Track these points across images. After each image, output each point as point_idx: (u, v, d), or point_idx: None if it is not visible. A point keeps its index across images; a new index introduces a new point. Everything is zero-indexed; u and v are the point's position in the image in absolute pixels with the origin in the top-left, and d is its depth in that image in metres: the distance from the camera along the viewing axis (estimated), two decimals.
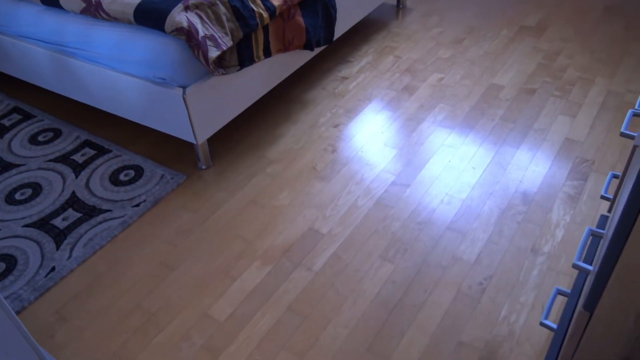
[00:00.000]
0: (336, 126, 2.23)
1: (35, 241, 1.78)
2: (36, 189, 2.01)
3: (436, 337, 1.43)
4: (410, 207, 1.83)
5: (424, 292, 1.55)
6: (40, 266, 1.69)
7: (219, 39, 1.82)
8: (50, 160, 2.14)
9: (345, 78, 2.53)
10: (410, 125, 2.20)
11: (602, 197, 1.21)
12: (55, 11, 2.09)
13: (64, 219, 1.86)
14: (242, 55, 1.95)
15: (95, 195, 1.95)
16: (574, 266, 0.89)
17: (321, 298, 1.56)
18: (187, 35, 1.76)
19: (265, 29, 2.01)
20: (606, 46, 2.58)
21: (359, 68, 2.59)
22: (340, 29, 2.48)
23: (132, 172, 2.05)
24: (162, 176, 2.03)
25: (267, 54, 2.07)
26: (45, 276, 1.66)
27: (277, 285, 1.60)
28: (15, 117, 2.42)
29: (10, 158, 2.18)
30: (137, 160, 2.11)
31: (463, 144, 2.08)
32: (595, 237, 0.96)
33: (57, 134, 2.29)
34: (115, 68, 1.94)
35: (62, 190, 1.99)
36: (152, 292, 1.62)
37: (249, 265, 1.67)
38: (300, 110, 2.34)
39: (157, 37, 1.83)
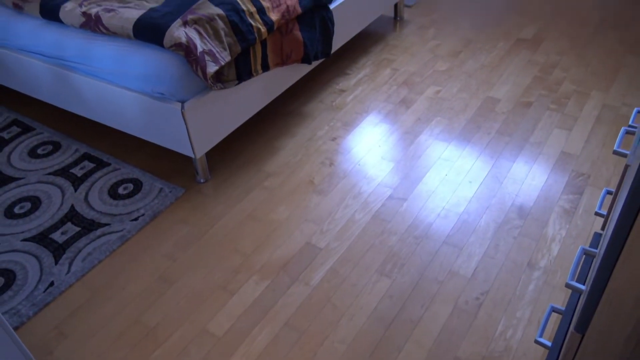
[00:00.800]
0: (334, 139, 2.25)
1: (34, 255, 1.79)
2: (35, 202, 2.02)
3: (433, 353, 1.43)
4: (407, 221, 1.84)
5: (421, 307, 1.56)
6: (39, 281, 1.70)
7: (217, 54, 1.84)
8: (49, 174, 2.15)
9: (342, 91, 2.55)
10: (407, 139, 2.21)
11: (596, 214, 1.22)
12: (55, 25, 2.11)
13: (62, 233, 1.87)
14: (240, 69, 1.96)
15: (94, 209, 1.96)
16: (567, 285, 0.90)
17: (318, 313, 1.56)
18: (186, 51, 1.78)
19: (263, 43, 2.03)
20: (601, 59, 2.61)
21: (357, 81, 2.61)
22: (338, 42, 2.50)
23: (130, 186, 2.06)
24: (161, 190, 2.04)
25: (265, 68, 2.08)
26: (44, 291, 1.67)
27: (275, 300, 1.61)
28: (15, 129, 2.43)
29: (9, 171, 2.19)
30: (136, 173, 2.12)
31: (460, 157, 2.10)
32: (588, 255, 0.98)
33: (57, 147, 2.30)
34: (115, 82, 1.96)
35: (61, 204, 2.00)
36: (151, 306, 1.62)
37: (247, 280, 1.68)
38: (298, 124, 2.36)
39: (156, 52, 1.85)
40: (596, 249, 1.04)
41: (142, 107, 1.92)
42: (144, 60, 1.85)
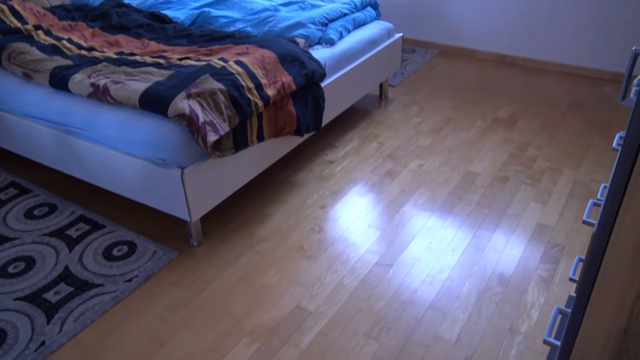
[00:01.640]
0: (323, 207, 2.35)
1: (26, 315, 1.81)
2: (29, 262, 2.05)
3: None
4: (393, 286, 1.91)
5: None
6: (30, 340, 1.71)
7: (218, 125, 1.97)
8: (44, 235, 2.20)
9: (331, 162, 2.68)
10: (393, 208, 2.33)
11: (571, 279, 1.32)
12: (63, 94, 2.24)
13: (55, 293, 1.89)
14: (238, 139, 2.09)
15: (88, 270, 2.00)
16: (545, 342, 0.98)
17: None
18: (189, 121, 1.90)
19: (260, 116, 2.18)
20: (571, 139, 2.81)
21: (345, 153, 2.75)
22: (327, 117, 2.66)
23: (125, 248, 2.11)
24: (155, 252, 2.09)
25: (260, 138, 2.22)
26: (35, 350, 1.68)
27: None
28: (12, 191, 2.49)
29: (5, 231, 2.23)
30: (131, 236, 2.18)
31: (443, 227, 2.21)
32: (563, 315, 1.06)
33: (53, 208, 2.36)
34: (118, 148, 2.06)
35: (55, 264, 2.03)
36: None
37: (237, 342, 1.71)
38: (289, 192, 2.47)
39: (159, 121, 1.97)
40: (570, 309, 1.13)
41: (142, 172, 2.02)
42: (147, 129, 1.97)
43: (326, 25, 2.74)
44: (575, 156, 2.66)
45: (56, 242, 2.16)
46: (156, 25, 2.77)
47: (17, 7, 2.81)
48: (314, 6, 2.95)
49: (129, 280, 1.95)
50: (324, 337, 1.72)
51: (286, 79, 2.27)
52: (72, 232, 2.21)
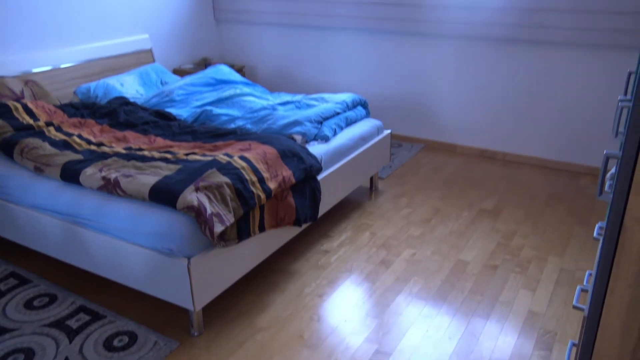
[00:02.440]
0: (320, 296, 2.41)
1: None
2: (29, 354, 2.04)
3: None
4: None
5: None
6: None
7: (224, 216, 2.08)
8: (44, 325, 2.21)
9: (327, 251, 2.78)
10: (388, 297, 2.40)
11: None
12: (73, 187, 2.35)
13: None
14: (241, 230, 2.19)
15: None
16: None
17: None
18: (197, 213, 2.01)
19: (262, 207, 2.30)
20: (554, 229, 2.96)
21: (339, 242, 2.86)
22: (322, 208, 2.79)
23: (126, 338, 2.13)
24: (156, 342, 2.11)
25: (262, 229, 2.32)
26: None
27: None
28: (12, 281, 2.52)
29: (4, 322, 2.23)
30: (131, 326, 2.20)
31: (438, 314, 2.28)
32: None
33: (53, 299, 2.38)
34: (125, 239, 2.14)
35: (55, 356, 2.03)
36: None
37: None
38: (287, 280, 2.53)
39: (168, 212, 2.07)
40: None
41: (149, 262, 2.09)
42: (156, 220, 2.07)
43: (321, 123, 2.95)
44: (559, 245, 2.79)
45: (56, 332, 2.16)
46: (162, 122, 2.95)
47: (30, 105, 2.98)
48: (309, 106, 3.18)
49: None
50: None
51: (286, 173, 2.42)
52: (73, 323, 2.22)
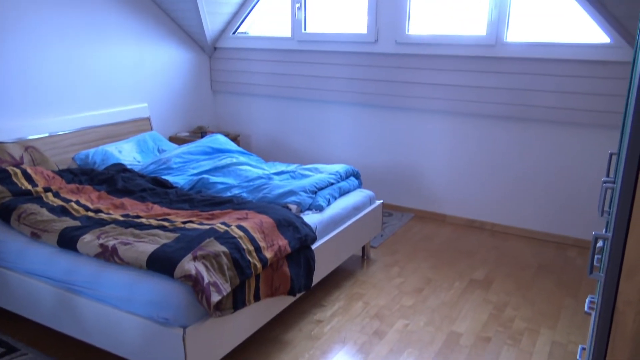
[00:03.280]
0: None
1: None
2: None
3: None
4: None
5: None
6: None
7: (220, 285, 2.09)
8: None
9: (320, 321, 2.77)
10: None
11: None
12: (69, 254, 2.36)
13: None
14: (237, 299, 2.20)
15: None
16: None
17: None
18: (194, 282, 2.02)
19: (257, 277, 2.32)
20: (544, 300, 2.99)
21: (332, 312, 2.85)
22: (316, 277, 2.81)
23: None
24: None
25: (257, 298, 2.33)
26: None
27: None
28: None
29: None
30: None
31: None
32: None
33: None
34: (121, 307, 2.14)
35: None
36: None
37: None
38: (280, 350, 2.51)
39: (165, 281, 2.09)
40: None
41: (143, 331, 2.07)
42: (153, 289, 2.08)
43: (315, 193, 3.03)
44: (550, 316, 2.82)
45: None
46: (159, 190, 3.00)
47: (29, 170, 3.03)
48: (303, 176, 3.27)
49: None
50: None
51: (282, 242, 2.46)
52: None
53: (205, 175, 3.26)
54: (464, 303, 2.96)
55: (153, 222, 2.53)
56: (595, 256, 1.47)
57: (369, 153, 4.38)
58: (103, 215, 2.63)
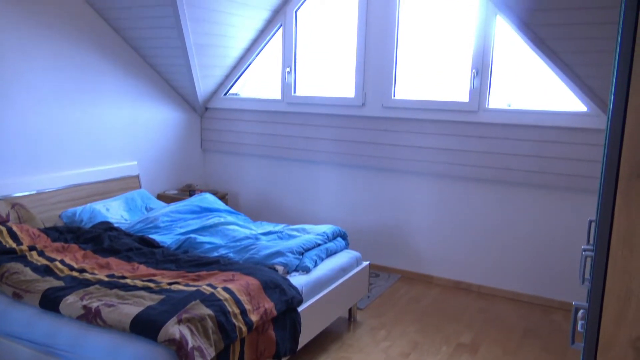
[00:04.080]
0: None
1: None
2: None
3: None
4: None
5: None
6: None
7: (205, 350, 2.06)
8: None
9: None
10: None
11: None
12: (51, 315, 2.32)
13: None
14: None
15: None
16: None
17: None
18: (178, 346, 2.00)
19: (242, 340, 2.29)
20: None
21: None
22: (302, 340, 2.77)
23: None
24: None
25: None
26: None
27: None
28: None
29: None
30: None
31: None
32: None
33: None
34: None
35: None
36: None
37: None
38: None
39: (148, 345, 2.05)
40: None
41: None
42: (135, 352, 2.04)
43: (302, 254, 3.03)
44: None
45: None
46: (145, 250, 2.99)
47: (14, 228, 3.01)
48: (291, 236, 3.29)
49: None
50: None
51: (268, 305, 2.45)
52: None
53: (192, 235, 3.27)
54: None
55: (138, 282, 2.51)
56: (580, 321, 1.49)
57: (356, 213, 4.42)
58: (88, 275, 2.60)
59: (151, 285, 2.48)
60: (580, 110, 3.49)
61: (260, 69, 4.78)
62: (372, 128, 4.20)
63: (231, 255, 3.03)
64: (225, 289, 2.37)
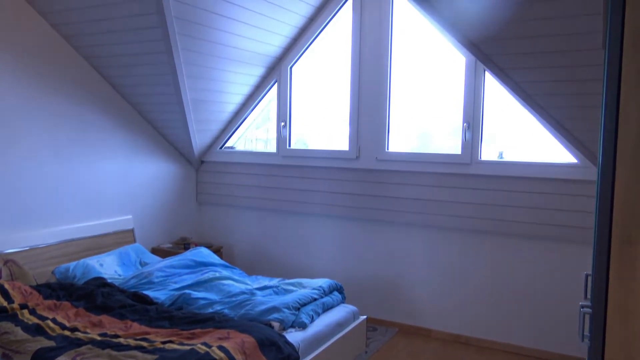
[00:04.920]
0: None
1: None
2: None
3: None
4: None
5: None
6: None
7: None
8: None
9: None
10: None
11: None
12: None
13: None
14: None
15: None
16: None
17: None
18: None
19: None
20: None
21: None
22: None
23: None
24: None
25: None
26: None
27: None
28: None
29: None
30: None
31: None
32: None
33: None
34: None
35: None
36: None
37: None
38: None
39: None
40: None
41: None
42: None
43: (299, 309, 3.00)
44: None
45: None
46: (139, 307, 2.95)
47: (6, 286, 2.97)
48: (287, 291, 3.25)
49: None
50: None
51: None
52: None
53: (187, 291, 3.23)
54: None
55: (131, 342, 2.46)
56: None
57: (352, 266, 4.39)
58: (80, 335, 2.55)
59: (144, 344, 2.43)
60: (571, 162, 3.55)
61: (255, 122, 4.86)
62: (367, 180, 4.24)
63: (226, 311, 2.99)
64: (221, 348, 2.33)
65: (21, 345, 2.40)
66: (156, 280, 3.46)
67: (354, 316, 3.33)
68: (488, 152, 3.88)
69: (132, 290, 3.29)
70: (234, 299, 3.12)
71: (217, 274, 3.50)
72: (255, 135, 5.05)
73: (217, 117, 4.59)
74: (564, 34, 2.84)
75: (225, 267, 3.78)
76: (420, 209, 4.04)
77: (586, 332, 2.11)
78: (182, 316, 2.80)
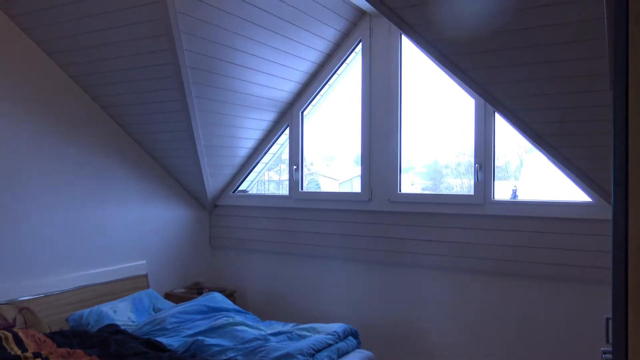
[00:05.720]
0: None
1: None
2: None
3: None
4: None
5: None
6: None
7: None
8: None
9: None
10: None
11: None
12: None
13: None
14: None
15: None
16: None
17: None
18: None
19: None
20: None
21: None
22: None
23: None
24: None
25: None
26: None
27: None
28: None
29: None
30: None
31: None
32: None
33: None
34: None
35: None
36: None
37: None
38: None
39: None
40: None
41: None
42: None
43: (313, 355, 2.95)
44: None
45: None
46: (152, 354, 2.92)
47: (20, 334, 2.97)
48: (301, 337, 3.21)
49: None
50: None
51: None
52: None
53: (200, 337, 3.20)
54: None
55: None
56: None
57: (367, 309, 4.33)
58: None
59: None
60: (586, 201, 3.52)
61: (268, 166, 4.91)
62: (380, 222, 4.23)
63: (240, 358, 2.95)
64: None
65: None
66: (169, 326, 3.44)
67: None
68: (501, 191, 3.87)
69: (145, 337, 3.27)
70: (247, 345, 3.09)
71: (231, 320, 3.47)
72: (267, 177, 5.09)
73: (230, 162, 4.65)
74: (571, 75, 2.87)
75: (239, 312, 3.75)
76: (434, 251, 4.00)
77: None
78: None
